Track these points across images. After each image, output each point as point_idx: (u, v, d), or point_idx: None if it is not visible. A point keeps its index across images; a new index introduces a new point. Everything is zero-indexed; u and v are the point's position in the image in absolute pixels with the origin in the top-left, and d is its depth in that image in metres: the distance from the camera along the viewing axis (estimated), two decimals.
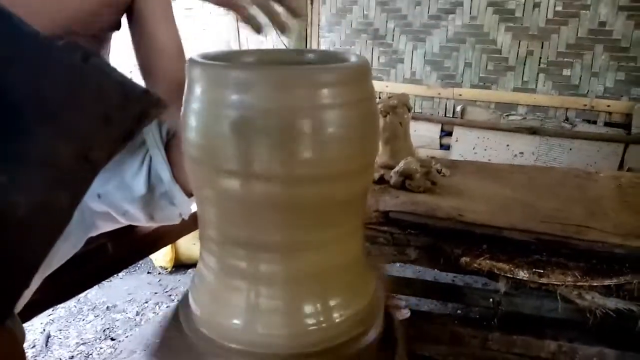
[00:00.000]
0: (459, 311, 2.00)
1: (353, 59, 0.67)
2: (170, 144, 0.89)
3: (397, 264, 2.09)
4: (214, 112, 0.60)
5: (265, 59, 0.76)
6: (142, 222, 0.94)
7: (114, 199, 0.88)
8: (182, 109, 0.64)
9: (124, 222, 0.94)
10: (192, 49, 0.78)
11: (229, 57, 0.69)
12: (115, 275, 2.24)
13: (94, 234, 0.99)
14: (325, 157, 0.61)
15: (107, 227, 1.00)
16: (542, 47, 2.82)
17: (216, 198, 0.66)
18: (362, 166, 0.68)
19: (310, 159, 0.60)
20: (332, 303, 0.73)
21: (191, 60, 0.62)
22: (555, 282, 1.25)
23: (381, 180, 1.63)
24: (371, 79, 0.67)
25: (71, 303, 2.06)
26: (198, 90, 0.62)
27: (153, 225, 1.11)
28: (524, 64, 2.88)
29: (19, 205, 0.45)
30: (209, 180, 0.64)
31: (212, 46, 3.24)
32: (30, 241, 0.46)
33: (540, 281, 1.26)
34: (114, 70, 0.49)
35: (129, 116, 0.50)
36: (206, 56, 0.64)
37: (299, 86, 0.58)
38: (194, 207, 0.83)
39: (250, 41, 3.02)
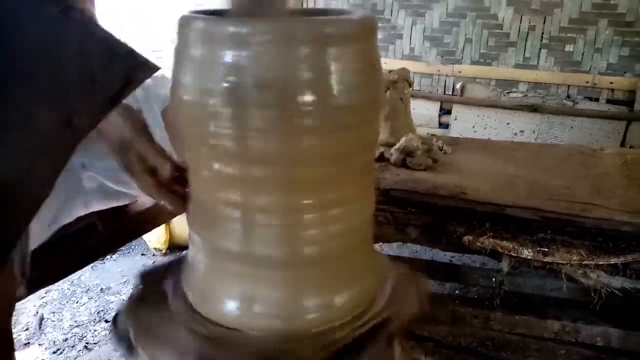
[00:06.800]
0: (457, 291, 1.98)
1: (358, 14, 0.63)
2: (166, 111, 0.85)
3: (394, 244, 2.06)
4: (207, 72, 0.55)
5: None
6: (137, 193, 0.91)
7: (106, 170, 0.84)
8: (172, 71, 0.59)
9: (120, 190, 0.91)
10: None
11: (223, 14, 0.64)
12: (108, 257, 2.21)
13: (83, 212, 0.95)
14: (326, 110, 0.57)
15: (98, 205, 0.96)
16: (544, 22, 2.76)
17: (207, 158, 0.61)
18: (364, 118, 0.64)
19: (310, 114, 0.56)
20: (334, 279, 0.69)
21: (182, 17, 0.57)
22: (560, 261, 1.22)
23: (381, 158, 1.59)
24: (377, 35, 0.63)
25: (64, 285, 2.02)
26: (190, 49, 0.57)
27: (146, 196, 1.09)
28: (526, 40, 2.82)
29: None
30: (200, 141, 0.60)
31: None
32: (7, 214, 0.42)
33: (545, 260, 1.23)
34: (97, 25, 0.44)
35: (114, 77, 0.45)
36: (199, 12, 0.59)
37: (301, 39, 0.53)
38: None
39: None
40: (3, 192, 0.38)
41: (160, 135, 0.85)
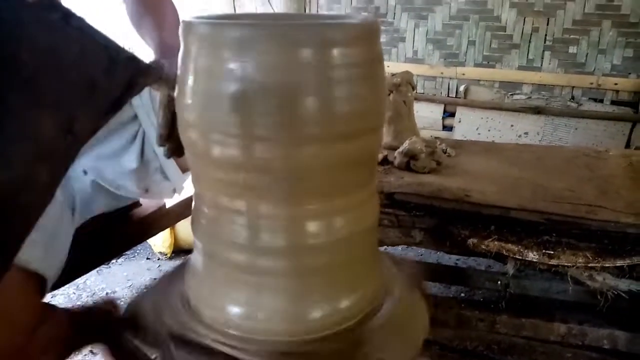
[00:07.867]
0: (462, 294, 1.97)
1: (361, 18, 0.63)
2: None
3: (399, 248, 2.06)
4: (212, 76, 0.56)
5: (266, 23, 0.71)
6: (137, 195, 0.93)
7: (105, 173, 0.85)
8: (177, 77, 0.59)
9: (120, 194, 0.92)
10: None
11: (226, 19, 0.64)
12: (114, 261, 2.21)
13: (90, 216, 0.96)
14: (330, 116, 0.57)
15: (104, 207, 0.97)
16: (547, 24, 2.75)
17: (211, 166, 0.61)
18: (369, 127, 0.64)
19: (315, 120, 0.56)
20: (337, 285, 0.69)
21: (186, 22, 0.57)
22: (566, 264, 1.22)
23: (385, 162, 1.58)
24: (379, 40, 0.63)
25: (70, 290, 2.03)
26: (194, 54, 0.57)
27: (148, 198, 1.09)
28: (529, 42, 2.81)
29: None
30: (206, 148, 0.60)
31: None
32: (9, 221, 0.42)
33: (550, 262, 1.22)
34: (98, 32, 0.45)
35: (115, 83, 0.45)
36: (202, 17, 0.60)
37: (305, 43, 0.53)
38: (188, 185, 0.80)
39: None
40: (4, 199, 0.38)
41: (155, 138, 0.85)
